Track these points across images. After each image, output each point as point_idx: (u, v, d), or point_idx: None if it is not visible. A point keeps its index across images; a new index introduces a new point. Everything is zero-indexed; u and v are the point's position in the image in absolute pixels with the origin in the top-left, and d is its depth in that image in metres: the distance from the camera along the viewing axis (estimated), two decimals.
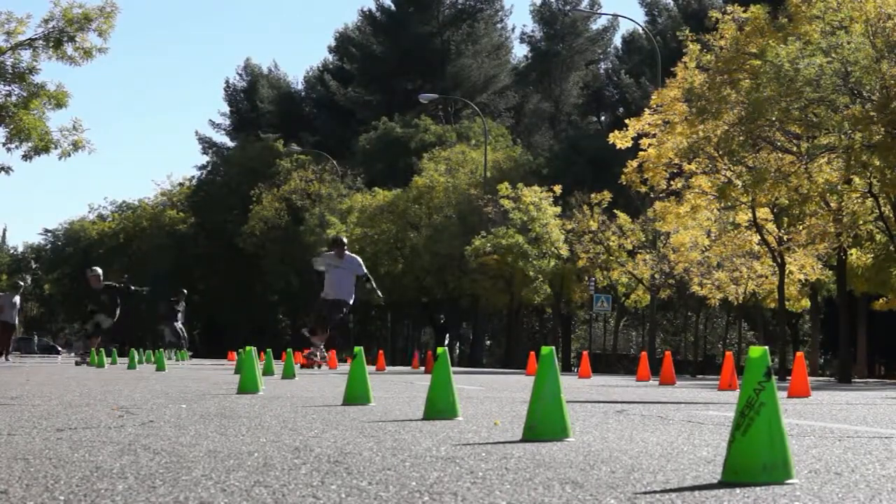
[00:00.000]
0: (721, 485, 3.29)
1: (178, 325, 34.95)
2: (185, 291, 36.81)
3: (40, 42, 29.89)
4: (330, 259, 20.01)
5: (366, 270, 20.29)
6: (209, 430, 5.17)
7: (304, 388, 11.04)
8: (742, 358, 44.57)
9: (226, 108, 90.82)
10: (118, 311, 23.99)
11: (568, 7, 76.76)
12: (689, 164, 28.62)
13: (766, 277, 35.08)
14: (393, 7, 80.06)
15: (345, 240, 20.16)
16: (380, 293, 20.83)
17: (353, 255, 20.80)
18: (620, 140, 29.15)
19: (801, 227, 29.67)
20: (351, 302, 20.11)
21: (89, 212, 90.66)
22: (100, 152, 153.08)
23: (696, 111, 26.95)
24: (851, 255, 31.62)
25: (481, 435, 5.10)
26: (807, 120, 25.40)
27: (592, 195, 42.19)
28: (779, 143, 27.21)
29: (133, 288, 24.93)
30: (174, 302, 35.14)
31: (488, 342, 66.13)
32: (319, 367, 21.09)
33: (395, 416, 6.46)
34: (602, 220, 41.40)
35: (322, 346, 20.64)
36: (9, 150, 30.13)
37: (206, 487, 3.15)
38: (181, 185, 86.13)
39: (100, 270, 24.42)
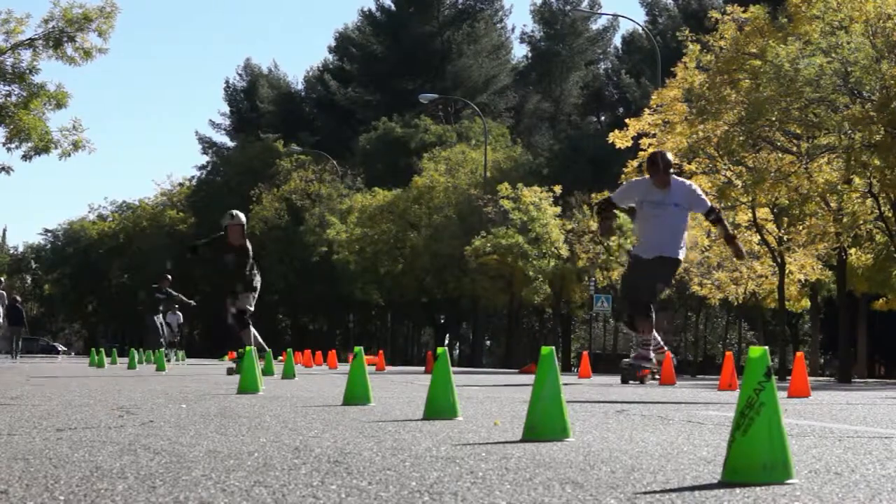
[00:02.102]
0: (721, 485, 3.29)
1: (158, 319, 29.49)
2: (170, 277, 30.52)
3: (40, 42, 29.93)
4: (644, 189, 11.63)
5: (711, 203, 11.87)
6: (209, 430, 5.18)
7: (303, 389, 11.04)
8: (742, 358, 44.56)
9: (226, 108, 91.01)
10: (257, 284, 16.06)
11: (568, 7, 76.79)
12: (689, 164, 28.62)
13: (766, 277, 35.11)
14: (393, 7, 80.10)
15: (670, 156, 11.63)
16: (742, 249, 12.20)
17: (684, 179, 12.18)
18: (620, 140, 29.15)
19: (801, 227, 29.68)
20: (682, 258, 11.80)
21: (89, 212, 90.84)
22: (100, 152, 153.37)
23: (696, 111, 26.96)
24: (851, 255, 31.62)
25: (481, 435, 5.11)
26: (807, 120, 25.41)
27: (592, 195, 42.23)
28: (779, 143, 27.23)
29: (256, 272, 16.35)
30: (156, 289, 29.74)
31: (488, 342, 66.15)
32: (654, 376, 13.65)
33: (395, 416, 6.46)
34: None
35: (656, 343, 12.29)
36: (9, 150, 30.20)
37: (206, 487, 3.15)
38: (181, 185, 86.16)
39: (244, 217, 16.19)
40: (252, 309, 15.95)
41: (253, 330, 15.89)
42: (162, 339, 29.03)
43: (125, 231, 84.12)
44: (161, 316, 29.47)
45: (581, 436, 5.03)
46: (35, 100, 29.94)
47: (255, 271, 16.00)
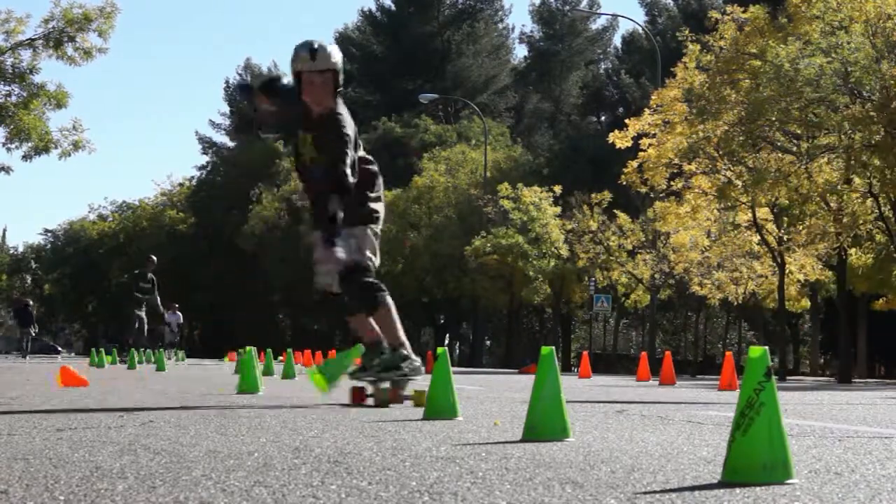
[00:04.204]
0: (721, 485, 3.29)
1: (142, 313, 25.54)
2: (155, 259, 26.42)
3: (40, 42, 29.95)
4: None
5: None
6: (209, 430, 5.17)
7: (304, 389, 11.04)
8: (742, 358, 44.55)
9: (226, 108, 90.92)
10: (378, 209, 7.89)
11: (567, 7, 76.76)
12: (689, 164, 28.63)
13: (766, 277, 35.10)
14: (393, 7, 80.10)
15: None
16: None
17: None
18: (620, 140, 29.17)
19: (801, 227, 29.70)
20: None
21: (89, 212, 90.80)
22: (100, 152, 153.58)
23: (696, 111, 26.96)
24: (851, 255, 31.63)
25: (481, 435, 5.10)
26: (807, 120, 25.42)
27: (592, 195, 42.22)
28: (779, 143, 27.23)
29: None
30: (140, 275, 25.52)
31: (488, 342, 66.15)
32: None
33: (395, 416, 6.46)
34: (602, 220, 41.44)
35: None
36: (9, 150, 30.22)
37: (206, 487, 3.14)
38: (181, 185, 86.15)
39: (339, 58, 7.60)
40: (373, 262, 7.73)
41: (390, 312, 7.68)
42: (144, 339, 25.57)
43: (125, 231, 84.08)
44: (144, 309, 25.53)
45: (581, 436, 5.03)
46: (35, 100, 29.96)
47: (376, 186, 7.78)
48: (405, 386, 7.67)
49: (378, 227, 7.75)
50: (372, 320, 7.65)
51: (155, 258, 26.35)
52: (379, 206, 7.79)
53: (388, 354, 7.61)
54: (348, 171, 7.25)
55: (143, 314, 25.40)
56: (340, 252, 7.16)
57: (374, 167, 7.78)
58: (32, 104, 29.90)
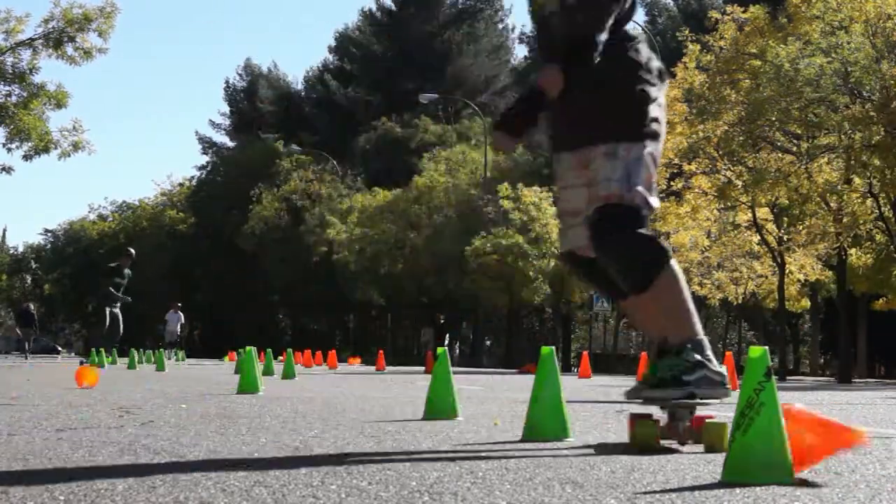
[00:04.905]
0: (721, 485, 3.29)
1: (116, 310, 22.73)
2: (133, 252, 23.94)
3: (40, 42, 29.97)
4: None
5: None
6: (209, 430, 5.17)
7: (304, 389, 11.04)
8: (742, 358, 44.55)
9: (226, 108, 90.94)
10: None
11: None
12: (689, 164, 28.64)
13: (766, 277, 35.11)
14: (393, 7, 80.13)
15: None
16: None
17: None
18: None
19: (801, 227, 29.71)
20: None
21: (89, 212, 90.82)
22: (100, 152, 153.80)
23: (696, 111, 26.98)
24: (851, 255, 31.63)
25: (481, 435, 5.10)
26: (807, 120, 25.44)
27: None
28: (779, 143, 27.25)
29: None
30: (114, 269, 23.11)
31: (488, 342, 66.13)
32: None
33: (395, 416, 6.46)
34: None
35: None
36: (9, 150, 30.25)
37: (206, 487, 3.14)
38: (181, 185, 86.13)
39: None
40: (649, 203, 4.46)
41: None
42: (117, 338, 23.19)
43: (125, 231, 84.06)
44: (119, 305, 22.85)
45: (581, 436, 5.03)
46: (35, 100, 29.99)
47: (651, 74, 4.51)
48: (692, 414, 4.53)
49: (658, 147, 4.57)
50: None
51: (133, 252, 23.86)
52: (659, 113, 4.55)
53: (669, 359, 4.65)
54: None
55: (117, 311, 22.74)
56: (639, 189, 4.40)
57: (643, 47, 4.55)
58: (32, 104, 29.92)
